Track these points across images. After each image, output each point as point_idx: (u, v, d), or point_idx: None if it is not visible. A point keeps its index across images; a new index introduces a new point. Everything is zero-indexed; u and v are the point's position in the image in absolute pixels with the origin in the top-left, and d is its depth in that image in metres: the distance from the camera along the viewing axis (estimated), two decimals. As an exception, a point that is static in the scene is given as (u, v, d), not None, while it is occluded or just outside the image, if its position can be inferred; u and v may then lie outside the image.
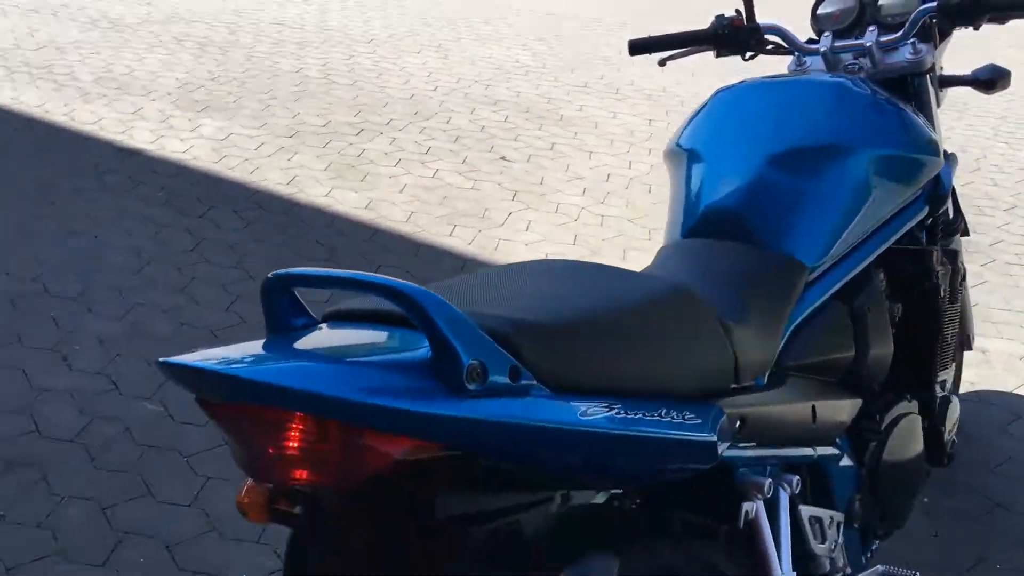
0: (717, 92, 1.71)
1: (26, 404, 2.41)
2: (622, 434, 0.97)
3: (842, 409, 1.46)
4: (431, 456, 0.86)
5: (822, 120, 1.61)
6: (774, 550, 1.24)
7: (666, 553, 1.14)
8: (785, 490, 1.30)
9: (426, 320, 0.83)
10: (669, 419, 1.02)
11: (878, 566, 1.65)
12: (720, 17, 1.90)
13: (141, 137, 4.29)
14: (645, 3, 8.69)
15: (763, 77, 1.76)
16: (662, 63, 2.02)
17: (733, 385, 1.20)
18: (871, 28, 1.83)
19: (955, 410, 1.85)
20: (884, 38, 1.81)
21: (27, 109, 4.49)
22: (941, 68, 1.96)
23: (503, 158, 4.44)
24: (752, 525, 1.22)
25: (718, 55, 1.94)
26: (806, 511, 1.39)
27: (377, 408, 0.80)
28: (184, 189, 3.82)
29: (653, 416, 1.00)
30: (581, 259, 2.53)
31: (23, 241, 3.26)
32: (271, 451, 0.83)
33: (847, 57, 1.87)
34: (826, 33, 1.88)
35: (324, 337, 0.96)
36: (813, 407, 1.35)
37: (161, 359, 0.86)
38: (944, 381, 1.78)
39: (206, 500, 2.13)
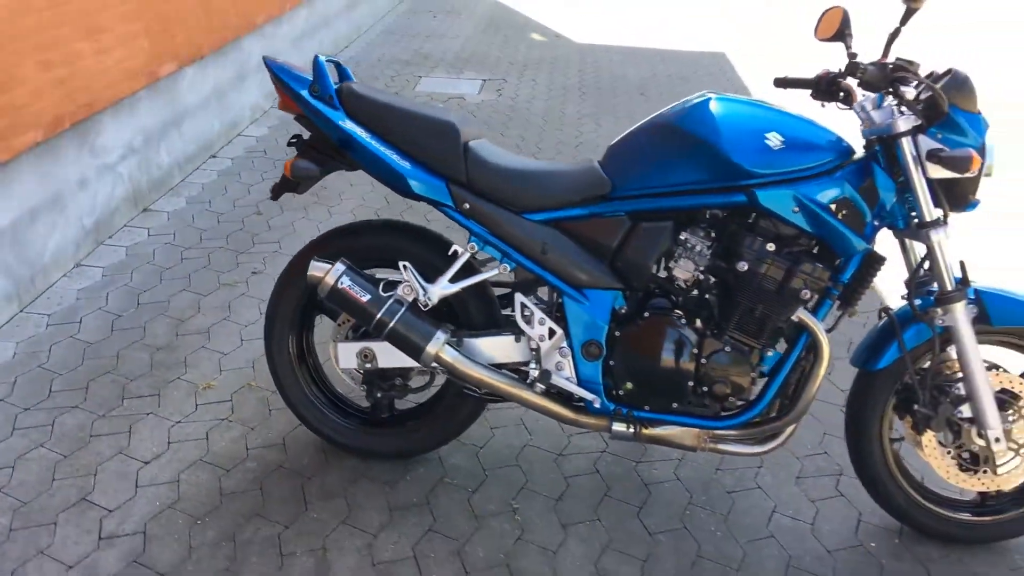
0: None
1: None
2: (373, 150, 2.26)
3: (583, 272, 2.25)
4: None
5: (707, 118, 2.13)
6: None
7: None
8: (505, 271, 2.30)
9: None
10: (401, 158, 2.28)
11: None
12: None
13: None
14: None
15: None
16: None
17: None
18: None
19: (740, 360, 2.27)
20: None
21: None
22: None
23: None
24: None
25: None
26: (530, 306, 2.32)
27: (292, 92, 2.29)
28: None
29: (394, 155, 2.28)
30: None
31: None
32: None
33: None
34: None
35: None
36: (558, 250, 2.25)
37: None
38: (743, 340, 2.25)
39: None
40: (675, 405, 2.32)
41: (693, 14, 10.10)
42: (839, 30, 2.17)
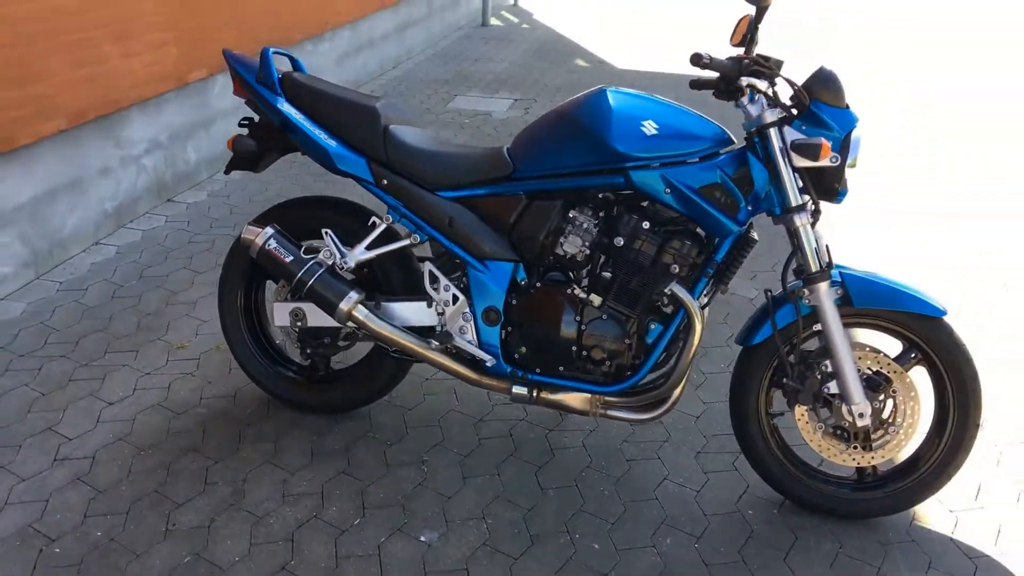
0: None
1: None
2: (305, 130, 2.58)
3: (484, 244, 2.50)
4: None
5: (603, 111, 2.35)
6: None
7: None
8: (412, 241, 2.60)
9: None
10: (329, 137, 2.59)
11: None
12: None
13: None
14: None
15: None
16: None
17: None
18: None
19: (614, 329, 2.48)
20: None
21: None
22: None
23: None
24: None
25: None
26: (438, 273, 2.59)
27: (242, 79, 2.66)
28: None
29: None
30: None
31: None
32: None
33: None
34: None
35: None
36: (463, 224, 2.51)
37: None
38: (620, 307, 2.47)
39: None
40: (561, 368, 2.53)
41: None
42: (744, 35, 2.36)
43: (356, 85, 7.22)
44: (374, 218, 2.63)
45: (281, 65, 2.71)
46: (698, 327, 2.40)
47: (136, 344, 3.27)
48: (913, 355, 2.42)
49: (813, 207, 2.36)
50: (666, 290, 2.39)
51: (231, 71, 2.67)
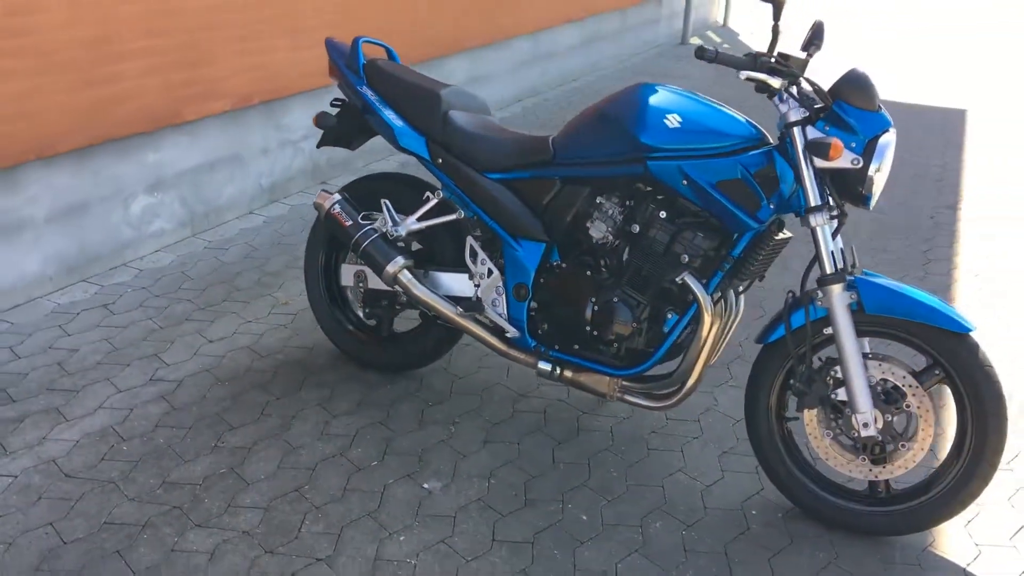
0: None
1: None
2: (377, 110, 2.88)
3: (519, 223, 2.67)
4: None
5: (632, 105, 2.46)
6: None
7: None
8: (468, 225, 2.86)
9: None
10: (397, 118, 2.87)
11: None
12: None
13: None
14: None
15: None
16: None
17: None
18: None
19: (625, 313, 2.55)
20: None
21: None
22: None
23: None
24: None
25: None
26: (477, 248, 2.80)
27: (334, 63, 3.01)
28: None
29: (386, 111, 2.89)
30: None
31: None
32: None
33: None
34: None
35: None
36: (503, 203, 2.69)
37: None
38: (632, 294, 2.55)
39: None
40: (576, 347, 2.65)
41: (962, 71, 9.59)
42: (807, 40, 2.37)
43: (531, 94, 7.54)
44: (428, 193, 2.87)
45: (380, 55, 3.03)
46: (707, 319, 2.43)
47: (250, 297, 3.72)
48: (937, 372, 2.32)
49: (838, 211, 2.33)
50: (677, 279, 2.44)
51: (330, 58, 3.02)
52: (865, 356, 2.34)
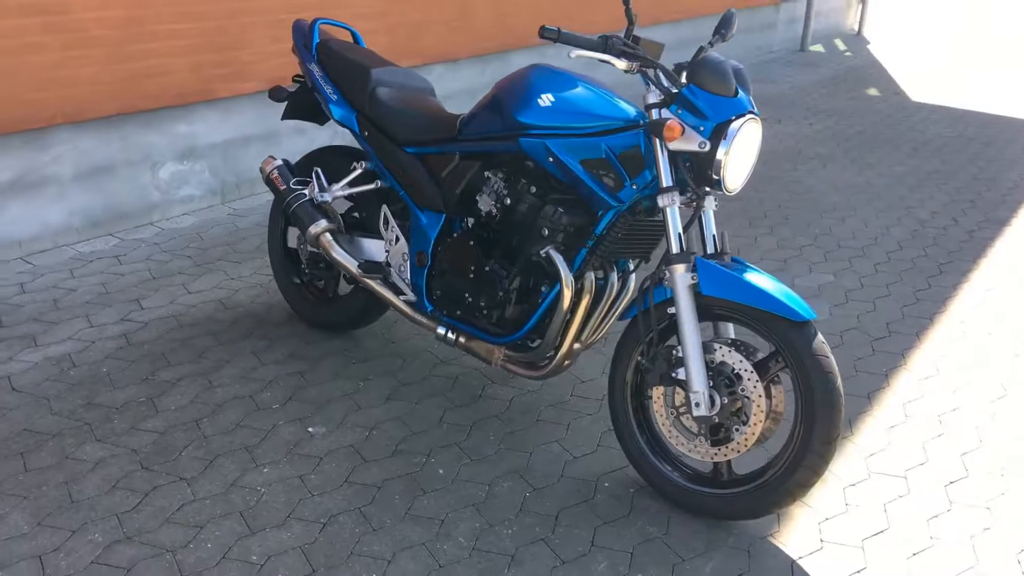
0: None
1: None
2: (319, 85, 3.12)
3: (423, 194, 2.84)
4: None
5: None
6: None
7: None
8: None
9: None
10: (334, 92, 3.09)
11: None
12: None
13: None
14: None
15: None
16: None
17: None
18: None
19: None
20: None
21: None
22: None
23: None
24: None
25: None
26: (389, 216, 3.01)
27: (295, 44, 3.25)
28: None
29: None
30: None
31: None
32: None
33: None
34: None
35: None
36: (413, 175, 2.87)
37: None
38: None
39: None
40: (459, 313, 2.78)
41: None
42: (716, 28, 2.46)
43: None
44: (355, 163, 3.08)
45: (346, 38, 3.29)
46: (567, 293, 2.51)
47: (243, 259, 4.05)
48: (779, 360, 2.31)
49: (692, 193, 2.37)
50: (542, 252, 2.53)
51: (294, 39, 3.29)
52: (725, 341, 2.36)
